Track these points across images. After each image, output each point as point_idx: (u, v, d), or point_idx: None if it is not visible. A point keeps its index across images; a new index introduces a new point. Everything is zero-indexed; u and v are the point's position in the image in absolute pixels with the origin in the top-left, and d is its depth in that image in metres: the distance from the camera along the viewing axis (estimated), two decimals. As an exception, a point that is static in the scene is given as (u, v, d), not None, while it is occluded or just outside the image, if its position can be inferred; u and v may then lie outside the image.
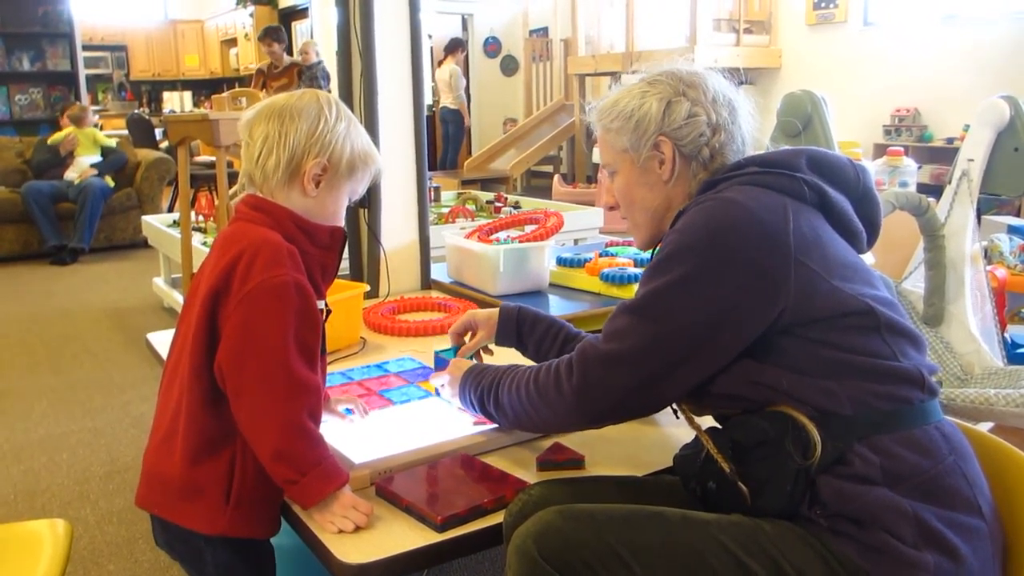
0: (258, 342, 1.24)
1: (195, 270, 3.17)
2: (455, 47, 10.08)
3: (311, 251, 1.34)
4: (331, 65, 2.53)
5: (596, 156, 7.74)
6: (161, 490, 1.33)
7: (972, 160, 2.58)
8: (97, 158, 6.69)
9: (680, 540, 1.08)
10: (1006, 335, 3.27)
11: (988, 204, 5.55)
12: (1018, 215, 5.21)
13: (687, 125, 1.26)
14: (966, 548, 1.05)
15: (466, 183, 8.47)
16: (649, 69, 1.34)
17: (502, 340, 1.68)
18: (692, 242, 1.15)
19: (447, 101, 10.03)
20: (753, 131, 1.32)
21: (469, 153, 11.06)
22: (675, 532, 1.09)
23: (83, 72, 8.99)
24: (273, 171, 1.33)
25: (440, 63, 10.14)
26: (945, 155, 6.46)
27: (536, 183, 10.63)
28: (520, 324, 1.67)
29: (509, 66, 12.03)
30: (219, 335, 1.27)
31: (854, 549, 1.05)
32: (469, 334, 1.72)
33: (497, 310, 1.69)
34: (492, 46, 12.05)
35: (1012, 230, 3.91)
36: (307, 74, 6.69)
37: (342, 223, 1.41)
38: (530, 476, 1.39)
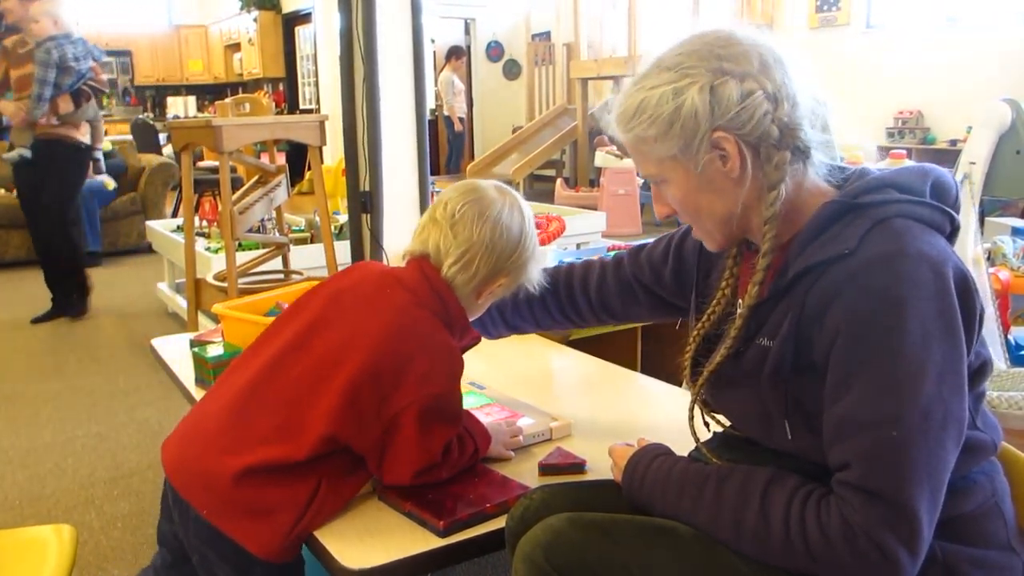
0: (418, 450, 1.29)
1: (199, 275, 3.18)
2: (452, 55, 10.17)
3: None
4: (334, 69, 2.51)
5: (599, 160, 7.75)
6: (225, 497, 1.28)
7: (974, 163, 2.58)
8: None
9: (692, 558, 1.06)
10: (1010, 337, 3.26)
11: (992, 206, 5.54)
12: (1022, 217, 5.20)
13: (744, 109, 1.02)
14: None
15: (469, 187, 8.48)
16: (662, 53, 1.10)
17: None
18: (904, 342, 0.94)
19: (447, 107, 10.19)
20: (809, 82, 1.08)
21: (471, 157, 11.07)
22: (687, 550, 1.07)
23: (87, 78, 9.00)
24: (466, 281, 1.35)
25: (441, 69, 10.23)
26: (948, 157, 6.46)
27: (539, 187, 10.63)
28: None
29: (512, 70, 12.05)
30: (367, 407, 1.26)
31: None
32: None
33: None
34: (495, 50, 12.07)
35: (1016, 232, 3.90)
36: (39, 56, 4.40)
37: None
38: (532, 481, 1.39)
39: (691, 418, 1.24)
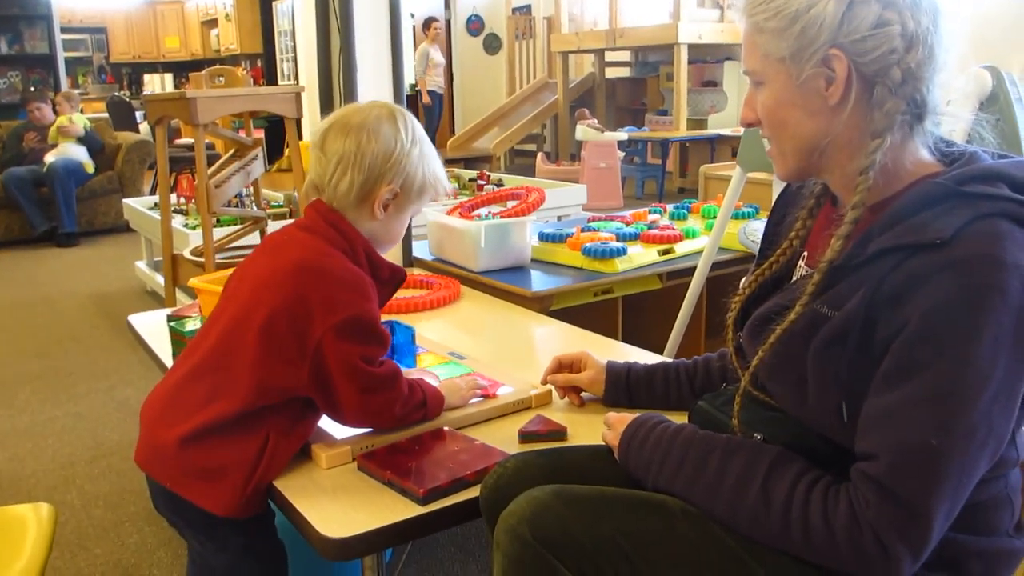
0: (352, 369, 1.30)
1: (176, 251, 3.15)
2: (425, 25, 10.01)
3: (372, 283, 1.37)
4: (312, 44, 2.49)
5: (580, 134, 7.72)
6: (175, 463, 1.32)
7: (954, 131, 2.58)
8: (80, 147, 6.63)
9: (681, 534, 1.05)
10: None
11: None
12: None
13: (873, 37, 0.94)
14: (990, 572, 1.03)
15: (448, 162, 8.44)
16: None
17: (610, 400, 1.52)
18: (973, 353, 0.89)
19: (418, 81, 10.05)
20: (959, 47, 1.00)
21: (451, 132, 11.01)
22: (676, 525, 1.05)
23: (62, 55, 8.90)
24: (345, 193, 1.34)
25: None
26: (928, 127, 6.47)
27: (520, 162, 10.60)
28: (632, 385, 1.51)
29: (492, 44, 11.96)
30: (286, 347, 1.28)
31: None
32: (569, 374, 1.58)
33: (604, 369, 1.53)
34: (475, 24, 11.97)
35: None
36: None
37: (399, 242, 1.47)
38: (513, 449, 1.39)
39: (731, 360, 1.18)
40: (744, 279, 1.23)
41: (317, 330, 1.28)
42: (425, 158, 1.38)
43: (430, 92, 10.12)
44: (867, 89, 0.98)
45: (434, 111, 10.31)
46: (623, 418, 1.23)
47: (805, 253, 1.17)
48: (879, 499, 0.92)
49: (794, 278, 1.17)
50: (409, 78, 9.68)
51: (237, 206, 3.63)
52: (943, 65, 0.98)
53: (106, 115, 8.31)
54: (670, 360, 1.47)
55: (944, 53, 0.98)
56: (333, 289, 1.30)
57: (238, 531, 1.35)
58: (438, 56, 10.21)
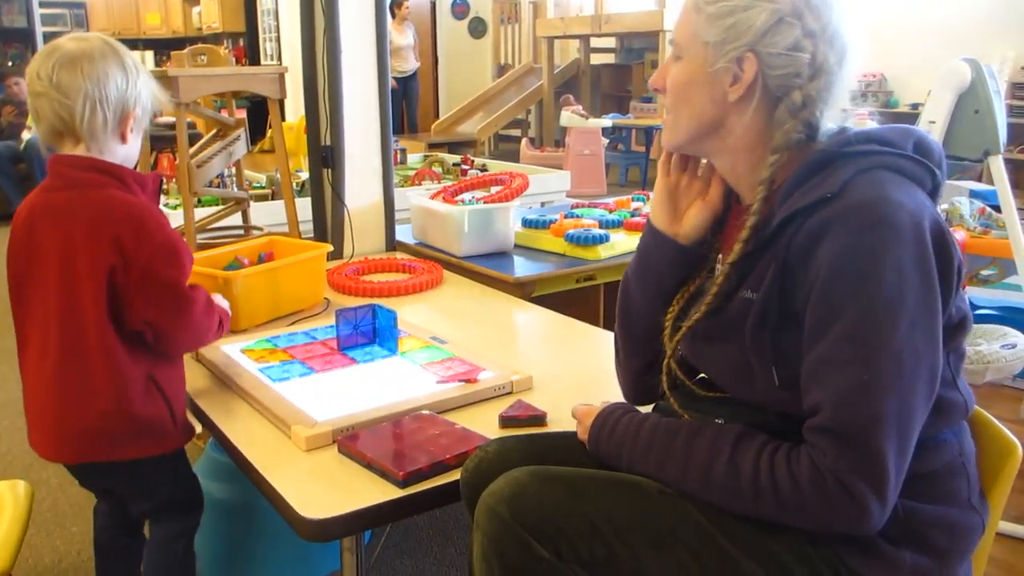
0: (177, 291, 1.44)
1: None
2: (391, 6, 9.66)
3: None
4: (296, 24, 2.47)
5: (564, 120, 7.71)
6: (106, 439, 1.43)
7: (933, 122, 2.60)
8: None
9: (656, 514, 1.07)
10: (965, 297, 3.32)
11: (952, 169, 5.62)
12: (979, 180, 5.28)
13: (786, 56, 1.04)
14: (952, 546, 1.05)
15: (432, 146, 8.41)
16: None
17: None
18: (882, 282, 0.95)
19: None
20: (853, 85, 1.10)
21: (436, 115, 10.96)
22: (651, 505, 1.08)
23: (40, 29, 8.74)
24: (102, 127, 1.41)
25: None
26: (910, 121, 6.48)
27: (504, 147, 10.57)
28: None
29: (477, 28, 11.90)
30: (120, 298, 1.39)
31: (833, 537, 1.02)
32: None
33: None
34: (460, 8, 11.89)
35: (973, 194, 3.96)
36: None
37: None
38: (493, 433, 1.39)
39: (664, 372, 1.20)
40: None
41: (136, 269, 1.38)
42: (149, 80, 1.48)
43: (393, 77, 9.78)
44: (769, 103, 1.07)
45: (397, 95, 9.94)
46: (590, 411, 1.24)
47: (720, 256, 1.20)
48: (832, 445, 0.96)
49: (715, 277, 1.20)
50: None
51: (219, 186, 3.60)
52: (838, 100, 1.08)
53: (86, 91, 8.20)
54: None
55: (841, 90, 1.08)
56: (134, 227, 1.38)
57: (167, 468, 1.53)
58: (399, 39, 9.72)
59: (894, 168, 1.03)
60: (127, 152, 1.47)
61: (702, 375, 1.22)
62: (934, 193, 1.06)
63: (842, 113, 1.11)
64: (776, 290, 1.03)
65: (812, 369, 0.99)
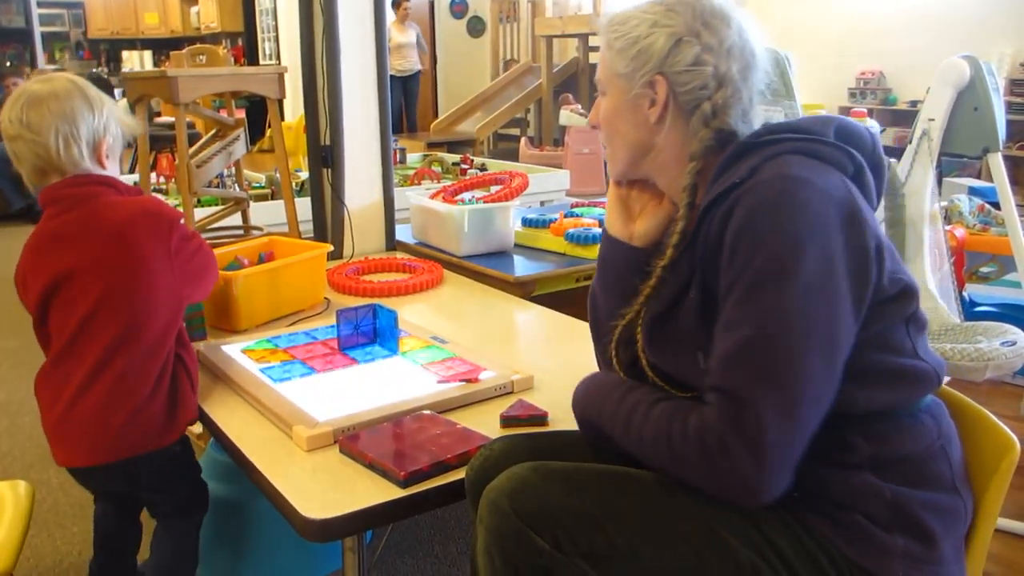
0: (202, 250, 1.62)
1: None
2: (393, 2, 9.59)
3: None
4: (294, 23, 2.47)
5: (563, 119, 7.70)
6: (138, 433, 1.49)
7: (932, 119, 2.60)
8: None
9: (654, 504, 1.08)
10: (965, 294, 3.33)
11: (950, 167, 5.62)
12: (978, 177, 5.29)
13: (690, 72, 1.12)
14: (941, 529, 1.06)
15: (432, 146, 8.40)
16: None
17: None
18: (778, 246, 0.98)
19: None
20: (765, 93, 1.18)
21: (435, 115, 10.95)
22: (649, 496, 1.09)
23: (38, 29, 8.76)
24: (79, 157, 1.50)
25: None
26: (909, 118, 6.52)
27: (503, 146, 10.56)
28: None
29: (476, 27, 11.89)
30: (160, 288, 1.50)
31: (827, 526, 1.05)
32: None
33: None
34: (458, 7, 11.88)
35: (972, 191, 3.96)
36: None
37: None
38: (494, 433, 1.39)
39: (618, 372, 1.27)
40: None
41: (163, 252, 1.50)
42: (114, 109, 1.58)
43: (392, 75, 9.69)
44: (684, 116, 1.15)
45: (395, 94, 9.86)
46: None
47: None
48: (716, 399, 1.01)
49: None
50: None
51: (218, 187, 3.60)
52: (749, 105, 1.15)
53: (84, 92, 8.19)
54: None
55: (752, 95, 1.15)
56: (148, 225, 1.50)
57: (179, 462, 1.61)
58: (399, 36, 9.54)
59: (805, 152, 1.07)
60: (114, 175, 1.57)
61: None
62: (858, 176, 1.09)
63: (765, 113, 1.17)
64: (702, 283, 1.08)
65: (716, 335, 1.03)
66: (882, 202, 2.67)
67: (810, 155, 1.06)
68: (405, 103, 9.96)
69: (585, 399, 1.25)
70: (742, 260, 1.01)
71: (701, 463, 1.00)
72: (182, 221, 1.57)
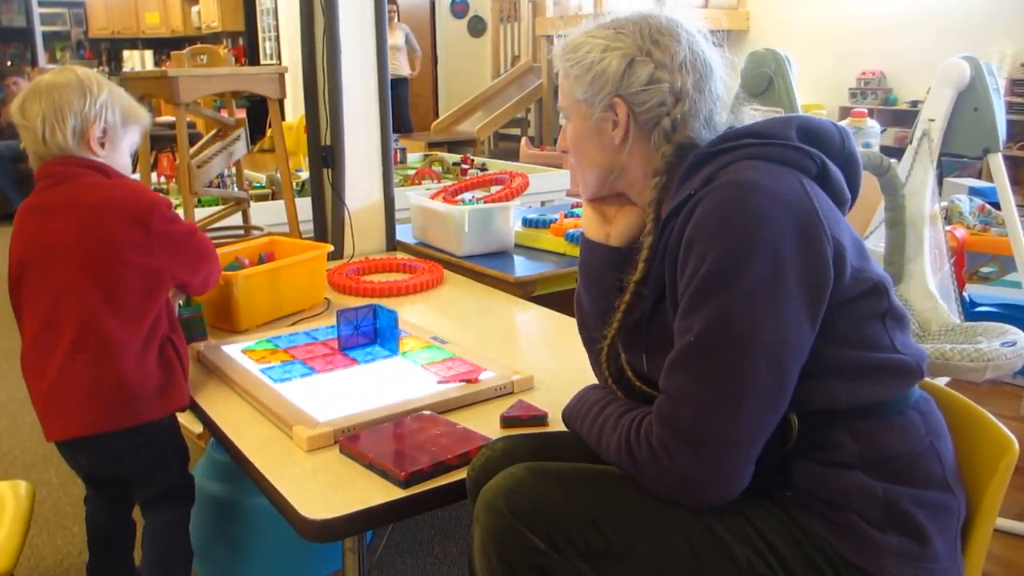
0: (195, 236, 1.63)
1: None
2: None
3: None
4: (295, 23, 2.48)
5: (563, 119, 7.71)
6: (126, 404, 1.50)
7: (933, 120, 2.60)
8: None
9: (650, 503, 1.08)
10: (965, 294, 3.33)
11: (950, 167, 5.62)
12: (979, 177, 5.28)
13: (646, 91, 1.14)
14: (934, 527, 1.07)
15: (432, 145, 8.40)
16: (621, 13, 1.20)
17: None
18: (726, 252, 1.00)
19: None
20: (726, 99, 1.19)
21: (436, 115, 10.95)
22: (645, 495, 1.09)
23: (39, 29, 8.75)
24: (64, 141, 1.53)
25: None
26: (909, 118, 6.51)
27: (503, 146, 10.55)
28: None
29: (476, 27, 11.89)
30: (132, 267, 1.51)
31: (822, 525, 1.05)
32: None
33: None
34: (459, 6, 11.88)
35: (973, 192, 3.96)
36: None
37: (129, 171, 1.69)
38: (494, 433, 1.39)
39: (612, 384, 1.27)
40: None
41: (156, 235, 1.53)
42: (115, 96, 1.60)
43: None
44: (645, 134, 1.17)
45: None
46: None
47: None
48: (659, 403, 1.05)
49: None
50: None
51: (219, 186, 3.60)
52: (711, 115, 1.16)
53: (85, 91, 8.19)
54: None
55: (710, 107, 1.16)
56: (135, 206, 1.53)
57: (167, 442, 1.62)
58: (391, 38, 9.76)
59: (762, 157, 1.07)
60: (110, 162, 1.59)
61: None
62: (823, 176, 1.10)
63: (730, 116, 1.19)
64: (672, 295, 1.09)
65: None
66: (882, 202, 2.67)
67: (767, 159, 1.07)
68: (394, 110, 9.96)
69: (571, 415, 1.28)
70: (692, 268, 1.03)
71: (648, 464, 1.04)
72: (174, 209, 1.61)
